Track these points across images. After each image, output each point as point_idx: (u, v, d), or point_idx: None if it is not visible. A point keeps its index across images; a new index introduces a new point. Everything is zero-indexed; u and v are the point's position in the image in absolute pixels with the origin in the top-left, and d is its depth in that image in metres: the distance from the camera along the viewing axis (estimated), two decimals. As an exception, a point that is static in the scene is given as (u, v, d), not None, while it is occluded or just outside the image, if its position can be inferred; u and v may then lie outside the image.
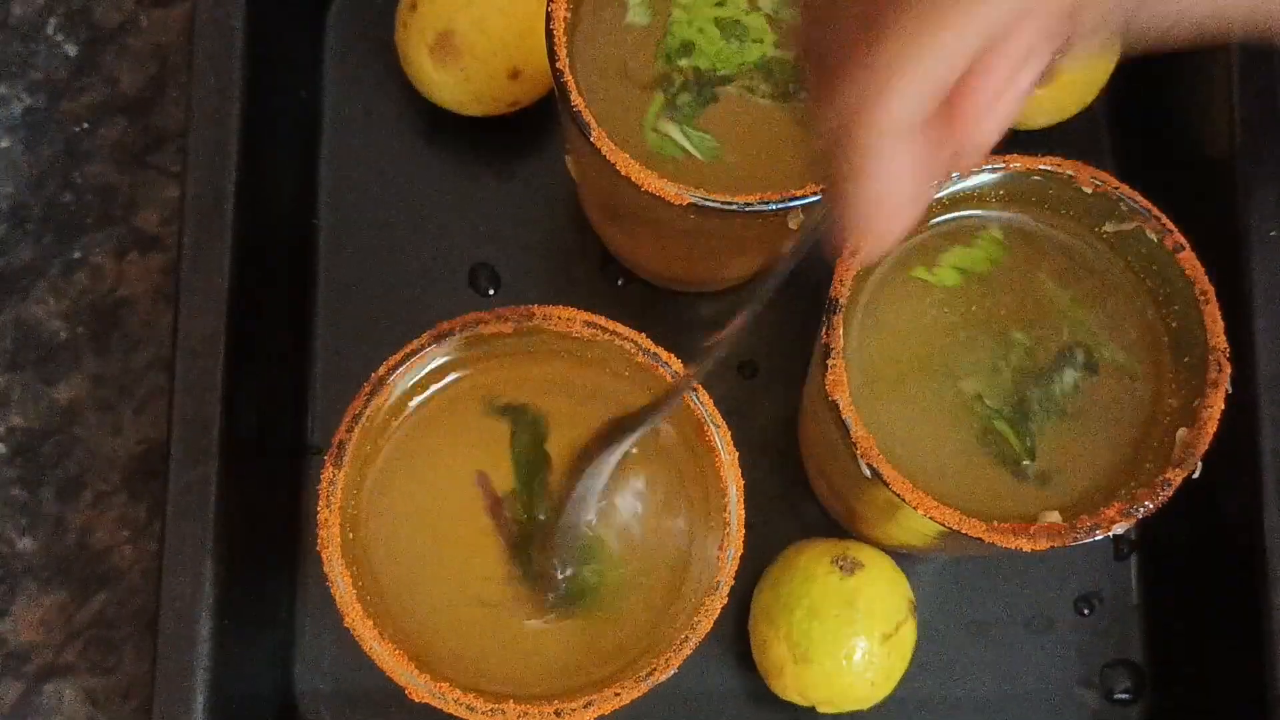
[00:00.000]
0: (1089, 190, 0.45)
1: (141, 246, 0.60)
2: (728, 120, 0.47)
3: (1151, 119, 0.59)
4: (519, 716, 0.42)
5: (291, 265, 0.59)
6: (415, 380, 0.46)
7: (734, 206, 0.43)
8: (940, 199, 0.46)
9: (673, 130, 0.47)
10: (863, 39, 0.29)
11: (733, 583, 0.44)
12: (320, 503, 0.44)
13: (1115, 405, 0.46)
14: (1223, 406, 0.43)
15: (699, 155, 0.46)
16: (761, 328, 0.59)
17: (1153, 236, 0.45)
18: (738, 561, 0.44)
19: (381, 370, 0.45)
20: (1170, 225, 0.45)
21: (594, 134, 0.43)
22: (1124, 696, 0.57)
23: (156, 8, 0.62)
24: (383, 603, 0.45)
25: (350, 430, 0.44)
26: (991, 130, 0.30)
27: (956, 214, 0.47)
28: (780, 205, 0.43)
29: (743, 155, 0.47)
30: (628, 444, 0.43)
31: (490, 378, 0.47)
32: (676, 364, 0.45)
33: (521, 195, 0.60)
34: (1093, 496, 0.45)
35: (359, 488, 0.45)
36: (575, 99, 0.44)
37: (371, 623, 0.43)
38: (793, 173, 0.46)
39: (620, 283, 0.59)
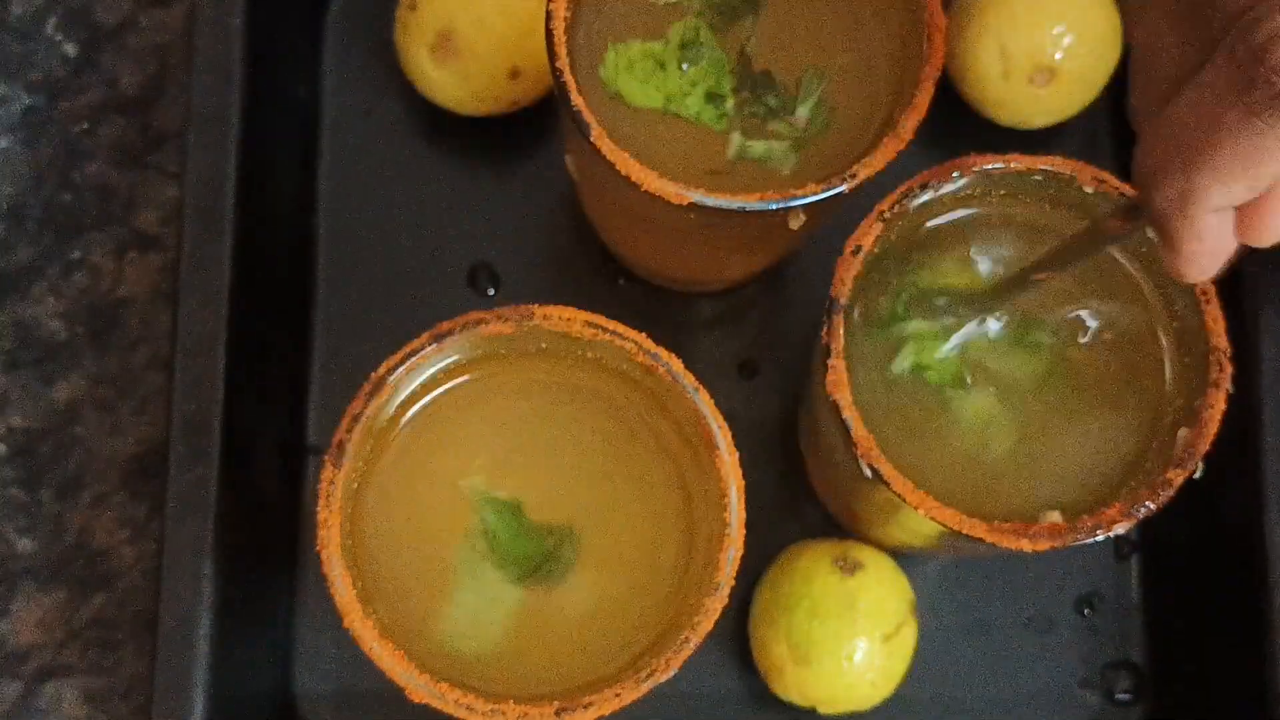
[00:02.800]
0: (1089, 190, 0.45)
1: (141, 246, 0.60)
2: None
3: (1152, 119, 0.59)
4: (519, 717, 0.42)
5: (291, 265, 0.59)
6: (416, 380, 0.46)
7: (734, 206, 0.43)
8: (940, 198, 0.46)
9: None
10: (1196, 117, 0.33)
11: (733, 583, 0.44)
12: (320, 503, 0.44)
13: (1116, 404, 0.46)
14: (1224, 406, 0.43)
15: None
16: (761, 328, 0.59)
17: (1153, 236, 0.45)
18: (738, 562, 0.44)
19: (381, 370, 0.45)
20: (1171, 225, 0.45)
21: (594, 134, 0.43)
22: (1125, 697, 0.57)
23: (156, 7, 0.62)
24: (382, 603, 0.45)
25: (350, 430, 0.44)
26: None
27: (957, 214, 0.47)
28: (781, 205, 0.43)
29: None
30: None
31: (492, 377, 0.47)
32: (676, 363, 0.45)
33: (521, 195, 0.60)
34: (1093, 496, 0.45)
35: (359, 488, 0.45)
36: (575, 99, 0.44)
37: (371, 623, 0.43)
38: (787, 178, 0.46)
39: (620, 283, 0.59)
